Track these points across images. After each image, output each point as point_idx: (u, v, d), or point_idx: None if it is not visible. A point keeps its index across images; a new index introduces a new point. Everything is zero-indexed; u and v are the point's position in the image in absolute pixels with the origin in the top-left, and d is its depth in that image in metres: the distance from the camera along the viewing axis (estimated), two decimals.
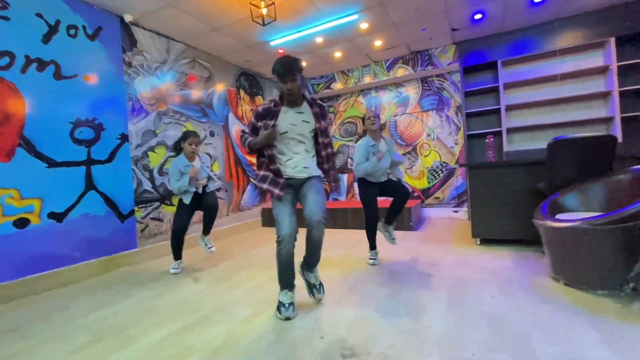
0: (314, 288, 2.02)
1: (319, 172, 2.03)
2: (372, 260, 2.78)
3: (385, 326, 1.65)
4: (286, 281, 1.91)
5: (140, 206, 3.40)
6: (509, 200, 2.99)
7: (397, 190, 2.77)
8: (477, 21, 3.95)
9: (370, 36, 4.19)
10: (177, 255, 2.96)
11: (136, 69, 3.45)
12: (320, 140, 2.01)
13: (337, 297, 2.07)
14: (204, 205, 2.96)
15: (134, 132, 3.39)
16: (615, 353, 1.30)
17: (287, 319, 1.80)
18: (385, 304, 1.91)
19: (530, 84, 4.30)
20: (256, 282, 2.49)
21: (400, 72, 5.03)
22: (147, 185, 3.48)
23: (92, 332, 1.80)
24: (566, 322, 1.57)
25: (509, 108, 4.35)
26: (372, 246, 2.86)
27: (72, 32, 2.93)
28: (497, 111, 4.44)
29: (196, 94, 4.19)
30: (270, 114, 1.91)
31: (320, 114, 1.99)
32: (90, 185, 2.98)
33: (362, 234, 4.07)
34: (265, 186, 1.91)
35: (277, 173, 1.92)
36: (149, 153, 3.53)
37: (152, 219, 3.53)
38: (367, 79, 5.31)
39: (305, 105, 1.97)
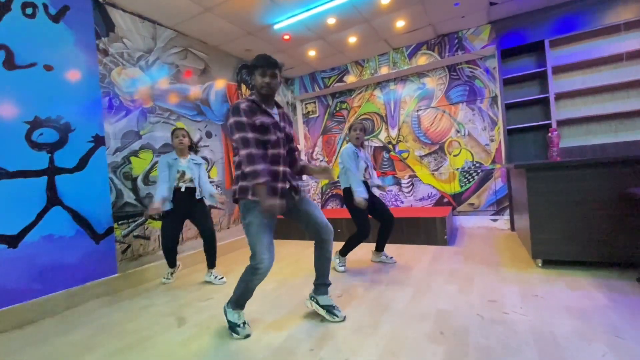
0: (334, 309, 1.87)
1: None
2: (342, 267, 2.80)
3: None
4: (242, 303, 1.81)
5: (120, 222, 2.83)
6: (583, 210, 2.30)
7: (383, 214, 2.79)
8: None
9: (392, 14, 3.54)
10: (172, 262, 2.84)
11: (114, 58, 2.88)
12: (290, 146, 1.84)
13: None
14: (202, 231, 2.75)
15: (111, 133, 2.82)
16: None
17: (248, 335, 1.75)
18: None
19: (586, 66, 3.58)
20: (253, 325, 1.86)
21: (424, 59, 4.36)
22: (129, 197, 2.90)
23: None
24: None
25: (559, 96, 3.64)
26: (345, 254, 2.82)
27: (28, 11, 2.37)
28: (543, 101, 3.75)
29: (189, 88, 3.61)
30: (258, 111, 1.68)
31: (288, 118, 1.88)
32: (54, 199, 2.40)
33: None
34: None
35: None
36: (132, 158, 2.96)
37: (136, 237, 2.95)
38: (384, 70, 4.66)
39: (275, 109, 1.79)
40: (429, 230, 3.54)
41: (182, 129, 2.78)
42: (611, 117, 3.48)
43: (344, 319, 1.85)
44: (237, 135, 1.60)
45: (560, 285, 2.11)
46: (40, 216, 2.33)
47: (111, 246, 2.74)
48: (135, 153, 2.99)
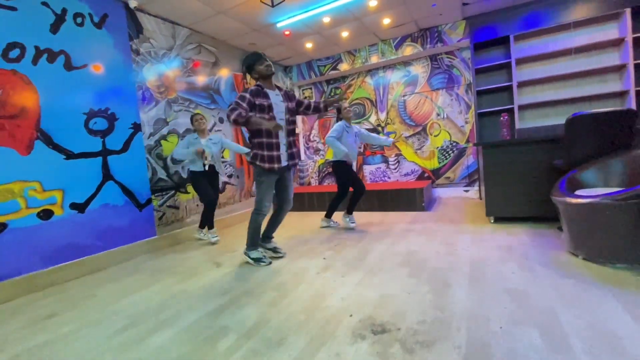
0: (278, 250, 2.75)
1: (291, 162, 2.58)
2: (353, 224, 3.54)
3: (411, 303, 1.70)
4: (257, 242, 2.60)
5: (156, 194, 3.45)
6: (524, 178, 2.99)
7: (356, 183, 3.43)
8: None
9: (379, 14, 4.08)
10: (212, 224, 3.51)
11: (144, 56, 3.41)
12: (297, 110, 2.66)
13: (359, 278, 2.12)
14: (215, 194, 3.50)
15: (145, 121, 3.39)
16: (638, 321, 1.34)
17: (270, 262, 2.55)
18: (408, 283, 1.96)
19: (543, 58, 4.21)
20: (276, 264, 2.55)
21: (409, 50, 4.92)
22: (161, 174, 3.52)
23: (126, 317, 1.87)
24: (589, 295, 1.61)
25: (521, 84, 4.28)
26: (330, 215, 3.65)
27: (79, 20, 2.88)
28: (508, 88, 4.38)
29: (203, 80, 4.15)
30: (261, 94, 2.36)
31: (289, 95, 2.58)
32: (107, 175, 3.01)
33: (367, 215, 4.12)
34: (268, 165, 2.42)
35: (273, 158, 2.44)
36: (162, 141, 3.54)
37: (169, 206, 3.58)
38: (374, 59, 5.21)
39: (276, 90, 2.49)
40: (410, 199, 4.23)
41: (200, 113, 3.45)
42: (563, 102, 4.14)
43: (270, 263, 2.57)
44: (234, 101, 2.28)
45: (502, 234, 2.83)
46: (98, 189, 2.94)
47: (151, 213, 3.37)
48: (164, 137, 3.57)
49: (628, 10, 3.62)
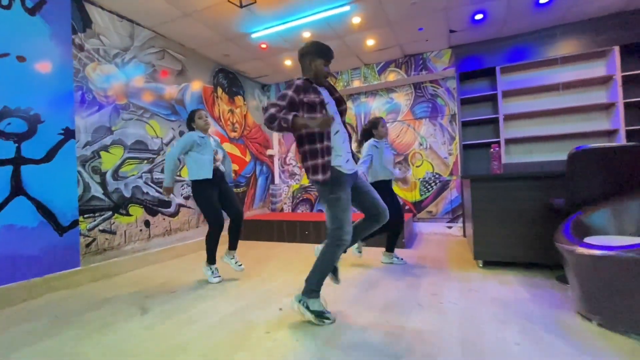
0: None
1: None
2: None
3: None
4: (321, 285, 1.81)
5: (86, 216, 2.84)
6: (517, 217, 2.63)
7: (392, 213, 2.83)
8: (477, 22, 3.66)
9: (363, 33, 3.83)
10: (213, 258, 2.67)
11: (89, 53, 2.93)
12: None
13: (321, 343, 1.60)
14: (231, 212, 2.68)
15: (82, 127, 2.85)
16: None
17: (334, 321, 1.79)
18: (385, 351, 1.46)
19: (530, 92, 4.04)
20: (216, 317, 1.98)
21: (392, 76, 4.70)
22: (96, 191, 2.93)
23: None
24: None
25: (508, 118, 4.07)
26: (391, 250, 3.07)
27: (4, 1, 2.40)
28: (494, 120, 4.16)
29: (165, 87, 3.69)
30: (310, 89, 1.79)
31: (334, 88, 2.00)
32: (17, 189, 2.41)
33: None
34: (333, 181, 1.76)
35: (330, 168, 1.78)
36: (102, 153, 2.99)
37: (102, 231, 2.97)
38: (357, 83, 4.95)
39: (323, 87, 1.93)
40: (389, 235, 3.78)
41: (203, 109, 2.71)
42: (550, 138, 3.94)
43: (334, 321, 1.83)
44: (270, 102, 1.73)
45: (493, 282, 2.40)
46: (2, 206, 2.33)
47: (75, 239, 2.75)
48: (105, 148, 3.02)
49: (617, 48, 3.52)
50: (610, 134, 3.71)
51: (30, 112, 2.50)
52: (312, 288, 1.78)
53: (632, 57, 3.59)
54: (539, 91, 4.00)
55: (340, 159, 1.81)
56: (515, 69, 4.06)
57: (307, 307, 1.77)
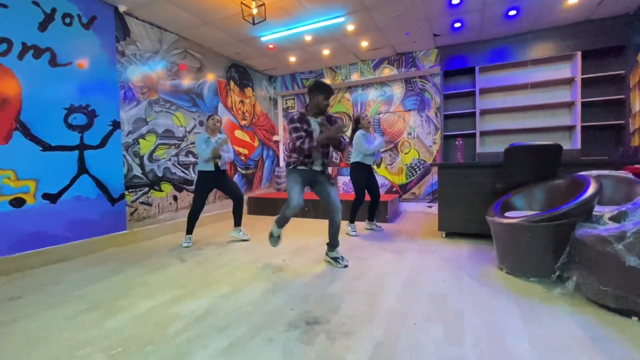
0: (338, 259, 2.64)
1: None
2: (353, 232, 3.69)
3: (348, 301, 1.92)
4: (282, 225, 2.68)
5: (130, 190, 3.58)
6: (472, 197, 3.29)
7: (372, 190, 3.78)
8: (456, 29, 4.19)
9: (357, 37, 4.39)
10: (190, 230, 3.40)
11: (129, 58, 3.58)
12: None
13: (308, 279, 2.33)
14: (232, 196, 3.46)
15: (125, 119, 3.53)
16: (526, 324, 1.61)
17: (278, 239, 2.72)
18: (350, 284, 2.19)
19: (504, 90, 4.60)
20: (237, 263, 2.73)
21: (386, 71, 5.25)
22: (137, 171, 3.65)
23: (86, 302, 2.02)
24: (496, 302, 1.88)
25: (484, 112, 4.65)
26: (353, 220, 3.75)
27: (67, 20, 3.04)
28: (472, 114, 4.74)
29: (187, 83, 4.33)
30: (304, 121, 2.51)
31: (332, 118, 2.64)
32: (82, 169, 3.14)
33: None
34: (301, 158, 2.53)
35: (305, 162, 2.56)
36: (140, 140, 3.69)
37: (142, 203, 3.71)
38: (355, 77, 5.52)
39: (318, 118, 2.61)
40: (370, 206, 4.48)
41: (215, 116, 3.43)
42: (520, 131, 4.52)
43: (346, 266, 2.57)
44: (293, 135, 2.51)
45: (449, 247, 3.10)
46: (72, 181, 3.06)
47: (123, 208, 3.49)
48: (142, 136, 3.72)
49: (579, 53, 4.05)
50: (570, 129, 4.29)
51: (89, 109, 3.19)
52: (275, 221, 2.67)
53: (592, 62, 4.11)
54: (511, 89, 4.56)
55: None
56: (492, 69, 4.60)
57: (272, 228, 2.71)
